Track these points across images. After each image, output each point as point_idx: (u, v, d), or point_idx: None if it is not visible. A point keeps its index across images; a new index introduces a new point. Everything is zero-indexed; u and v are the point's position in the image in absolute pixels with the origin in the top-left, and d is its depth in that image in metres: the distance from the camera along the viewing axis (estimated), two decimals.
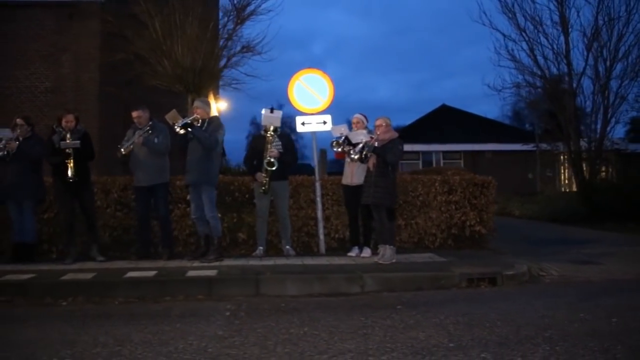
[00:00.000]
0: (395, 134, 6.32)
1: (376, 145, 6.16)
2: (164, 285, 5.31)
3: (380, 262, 6.16)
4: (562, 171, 19.96)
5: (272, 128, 6.44)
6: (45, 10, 12.11)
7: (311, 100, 7.10)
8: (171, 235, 6.65)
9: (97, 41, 11.92)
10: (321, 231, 7.07)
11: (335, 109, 7.30)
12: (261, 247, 6.69)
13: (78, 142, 6.23)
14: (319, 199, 7.06)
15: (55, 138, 6.35)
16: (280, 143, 6.41)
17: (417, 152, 21.11)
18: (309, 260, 6.37)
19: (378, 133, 6.23)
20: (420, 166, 19.88)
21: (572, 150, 12.78)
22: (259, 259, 6.43)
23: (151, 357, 3.27)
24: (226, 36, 9.50)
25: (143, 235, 6.55)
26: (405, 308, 4.64)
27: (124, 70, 10.30)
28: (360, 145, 6.12)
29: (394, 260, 6.18)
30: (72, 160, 6.18)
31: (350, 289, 5.45)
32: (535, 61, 12.78)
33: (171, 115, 6.16)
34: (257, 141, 6.81)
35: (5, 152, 6.23)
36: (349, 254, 6.68)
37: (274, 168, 6.32)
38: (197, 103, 6.37)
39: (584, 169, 12.81)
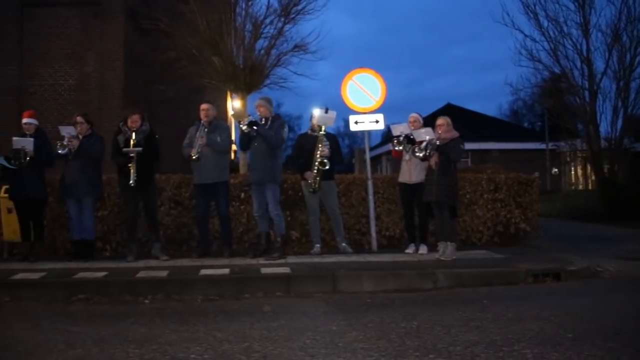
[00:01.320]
0: (457, 133, 6.42)
1: (438, 143, 6.29)
2: (242, 282, 5.34)
3: (442, 258, 6.26)
4: (571, 170, 20.32)
5: (323, 128, 6.49)
6: (70, 9, 12.02)
7: (364, 99, 7.18)
8: (231, 234, 6.68)
9: (122, 39, 11.88)
10: (373, 229, 7.17)
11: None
12: (318, 245, 6.76)
13: (140, 148, 6.21)
14: (371, 197, 7.14)
15: (120, 138, 6.35)
16: (328, 143, 6.48)
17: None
18: (370, 257, 6.44)
19: (440, 132, 6.33)
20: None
21: (593, 149, 13.08)
22: (321, 257, 6.48)
23: (289, 353, 3.29)
24: (273, 34, 9.51)
25: (203, 233, 6.59)
26: (491, 302, 4.74)
27: (170, 70, 10.27)
28: (425, 143, 6.22)
29: (454, 257, 6.31)
30: (134, 165, 6.15)
31: (423, 284, 5.53)
32: (557, 61, 13.08)
33: (237, 113, 6.20)
34: (303, 140, 6.82)
35: (68, 150, 6.23)
36: (407, 250, 6.77)
37: (327, 167, 6.38)
38: (260, 101, 6.41)
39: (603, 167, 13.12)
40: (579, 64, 13.01)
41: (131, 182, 6.13)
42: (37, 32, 12.01)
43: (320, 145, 6.39)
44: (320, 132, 6.46)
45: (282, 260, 6.15)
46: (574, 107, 13.76)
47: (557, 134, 15.93)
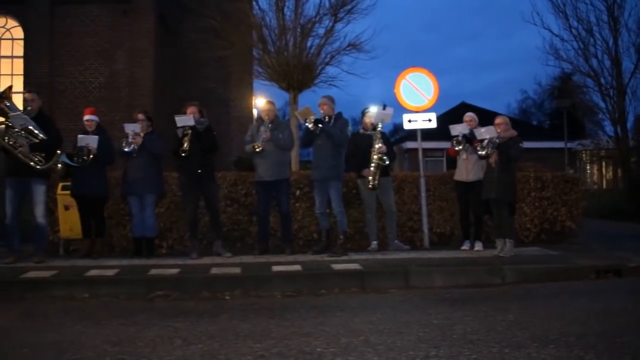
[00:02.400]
0: (515, 132, 6.52)
1: (498, 142, 6.38)
2: (317, 278, 5.41)
3: (501, 255, 6.35)
4: (586, 169, 20.55)
5: (380, 125, 6.56)
6: (100, 7, 12.05)
7: (417, 98, 7.26)
8: (291, 231, 6.75)
9: (152, 37, 11.91)
10: (426, 226, 7.26)
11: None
12: (375, 242, 6.82)
13: (192, 116, 6.24)
14: (423, 195, 7.22)
15: (179, 131, 6.40)
16: (381, 140, 6.55)
17: (441, 150, 21.39)
18: (429, 254, 6.50)
19: (499, 131, 6.42)
20: (445, 164, 20.15)
21: (622, 148, 13.25)
22: (381, 253, 6.53)
23: (413, 345, 3.37)
24: (323, 33, 9.58)
25: (263, 230, 6.66)
26: (570, 297, 4.87)
27: (219, 67, 10.33)
28: (486, 142, 6.32)
29: (512, 254, 6.42)
30: (188, 139, 6.12)
31: (491, 280, 5.63)
32: (586, 60, 13.24)
33: (303, 111, 6.27)
34: (357, 139, 6.86)
35: (133, 147, 6.27)
36: (462, 247, 6.86)
37: (386, 163, 6.44)
38: (323, 99, 6.47)
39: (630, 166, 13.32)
40: (607, 63, 13.23)
41: (182, 150, 6.10)
42: (67, 30, 12.04)
43: (377, 143, 6.42)
44: (377, 129, 6.52)
45: (346, 257, 6.23)
46: (598, 106, 13.96)
47: (574, 133, 16.15)
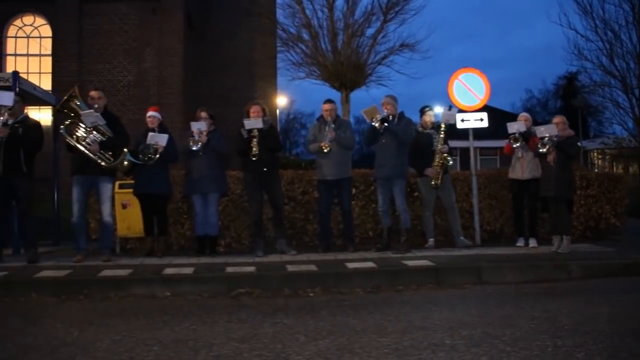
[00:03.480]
0: (572, 132, 6.67)
1: (556, 140, 6.52)
2: (394, 275, 5.49)
3: (559, 251, 6.49)
4: (596, 168, 20.83)
5: (443, 124, 6.67)
6: (129, 5, 12.02)
7: (469, 98, 7.38)
8: (353, 228, 6.83)
9: (181, 36, 11.90)
10: (477, 223, 7.38)
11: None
12: (432, 239, 6.91)
13: (260, 120, 6.32)
14: (475, 193, 7.34)
15: (244, 131, 6.45)
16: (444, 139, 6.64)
17: (455, 149, 21.53)
18: (489, 251, 6.59)
19: (558, 129, 6.56)
20: (459, 162, 20.32)
21: None
22: (444, 250, 6.58)
23: (534, 336, 3.44)
24: (373, 34, 9.68)
25: (325, 228, 6.72)
26: None
27: (243, 66, 10.36)
28: (546, 139, 6.45)
29: (569, 250, 6.55)
30: (256, 142, 6.21)
31: (558, 275, 5.74)
32: (611, 60, 13.47)
33: (370, 110, 6.34)
34: (418, 137, 6.93)
35: (200, 145, 6.30)
36: (517, 244, 6.99)
37: (450, 163, 6.57)
38: (387, 99, 6.54)
39: None
40: (632, 64, 13.44)
41: (253, 154, 6.16)
42: (96, 28, 12.01)
43: (441, 142, 6.56)
44: (441, 129, 6.63)
45: (410, 254, 6.33)
46: (621, 105, 14.20)
47: (577, 132, 16.42)
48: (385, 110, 6.44)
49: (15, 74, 6.80)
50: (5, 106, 5.85)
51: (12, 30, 12.51)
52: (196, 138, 6.26)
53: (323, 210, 6.64)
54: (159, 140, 6.21)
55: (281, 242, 6.54)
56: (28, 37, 12.49)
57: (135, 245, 7.05)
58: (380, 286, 5.34)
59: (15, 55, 12.62)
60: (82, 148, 5.90)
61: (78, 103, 5.96)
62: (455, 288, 5.32)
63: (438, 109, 6.85)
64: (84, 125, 5.92)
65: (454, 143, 7.48)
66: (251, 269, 5.59)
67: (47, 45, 12.19)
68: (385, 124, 6.26)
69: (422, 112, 7.03)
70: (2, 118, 5.93)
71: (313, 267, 5.64)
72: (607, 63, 13.64)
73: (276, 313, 4.34)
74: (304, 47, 9.93)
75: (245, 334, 3.70)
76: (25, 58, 12.53)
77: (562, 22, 15.16)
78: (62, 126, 5.98)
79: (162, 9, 12.01)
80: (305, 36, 9.93)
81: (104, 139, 5.97)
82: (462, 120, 7.38)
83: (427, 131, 6.80)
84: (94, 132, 5.93)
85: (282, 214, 6.65)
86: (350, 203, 6.70)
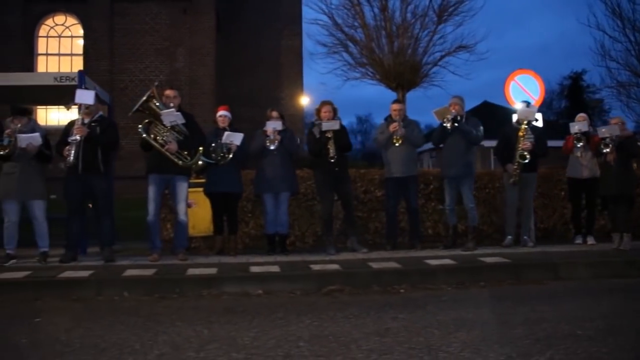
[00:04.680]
0: (631, 132, 6.88)
1: (616, 139, 6.70)
2: (475, 271, 5.61)
3: (621, 248, 6.67)
4: None
5: (525, 122, 6.68)
6: (160, 5, 12.02)
7: (525, 98, 7.53)
8: (420, 226, 6.94)
9: (212, 35, 11.92)
10: (532, 222, 7.54)
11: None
12: (510, 237, 6.83)
13: (337, 121, 6.43)
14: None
15: (315, 130, 6.54)
16: (532, 136, 6.68)
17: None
18: (553, 248, 6.70)
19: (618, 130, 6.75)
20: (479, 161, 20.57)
21: None
22: (513, 248, 6.62)
23: None
24: (429, 35, 9.81)
25: (392, 226, 6.82)
26: None
27: (269, 66, 10.40)
28: (607, 140, 6.62)
29: (630, 247, 6.74)
30: (332, 143, 6.32)
31: (630, 272, 5.91)
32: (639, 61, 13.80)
33: (441, 111, 6.47)
34: (510, 132, 6.87)
35: (277, 144, 6.36)
36: (576, 242, 7.16)
37: (526, 161, 6.60)
38: (455, 99, 6.65)
39: None
40: None
41: (331, 157, 6.26)
42: (127, 28, 11.99)
43: (523, 139, 6.55)
44: (522, 126, 6.62)
45: (478, 251, 6.46)
46: None
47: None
48: (453, 111, 6.56)
49: (82, 73, 6.81)
50: (86, 105, 5.89)
51: (43, 30, 12.45)
52: (271, 137, 6.32)
53: (391, 209, 6.74)
54: (234, 139, 6.26)
55: (352, 240, 6.62)
56: (59, 36, 12.44)
57: (199, 244, 7.09)
58: (464, 282, 5.47)
59: (47, 54, 12.55)
60: (159, 147, 5.94)
61: (157, 104, 6.00)
62: (536, 284, 5.47)
63: (517, 106, 6.90)
64: (162, 125, 5.96)
65: None
66: (335, 266, 5.68)
67: (78, 45, 12.13)
68: (456, 124, 6.40)
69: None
70: (80, 117, 5.98)
71: (395, 264, 5.75)
72: (636, 63, 14.00)
73: (385, 309, 4.43)
74: (355, 48, 10.02)
75: (378, 329, 3.79)
76: (56, 57, 12.48)
77: (591, 23, 15.40)
78: (140, 125, 6.01)
79: (194, 9, 12.02)
80: (359, 36, 10.03)
81: (180, 138, 6.02)
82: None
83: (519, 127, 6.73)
84: (172, 132, 5.98)
85: (353, 213, 6.74)
86: (417, 201, 6.82)
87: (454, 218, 6.73)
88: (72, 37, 12.70)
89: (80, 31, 12.40)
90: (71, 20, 12.57)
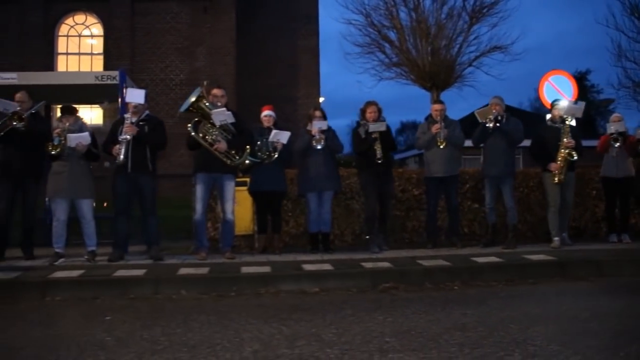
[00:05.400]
0: None
1: None
2: (522, 268, 5.70)
3: None
4: None
5: (569, 119, 6.65)
6: (180, 4, 12.02)
7: (557, 98, 7.68)
8: (460, 225, 7.02)
9: (233, 35, 11.94)
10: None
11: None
12: (557, 238, 6.69)
13: (384, 122, 6.51)
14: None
15: (361, 130, 6.61)
16: (570, 134, 6.76)
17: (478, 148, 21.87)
18: (592, 246, 6.78)
19: None
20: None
21: None
22: (565, 247, 6.63)
23: None
24: (464, 36, 9.90)
25: (433, 225, 6.90)
26: None
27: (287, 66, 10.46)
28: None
29: None
30: (379, 144, 6.39)
31: None
32: None
33: (483, 111, 6.56)
34: (545, 131, 6.87)
35: (323, 143, 6.41)
36: (611, 240, 7.24)
37: (575, 159, 6.58)
38: (495, 99, 6.72)
39: None
40: None
41: (379, 158, 6.33)
42: (148, 27, 11.97)
43: (566, 137, 6.52)
44: (566, 123, 6.59)
45: (519, 249, 6.54)
46: None
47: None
48: (494, 111, 6.65)
49: (123, 71, 6.84)
50: (136, 104, 5.92)
51: (63, 29, 12.38)
52: (317, 137, 6.37)
53: (432, 208, 6.82)
54: (281, 138, 6.31)
55: (379, 238, 6.69)
56: (79, 35, 12.39)
57: (240, 243, 7.12)
58: (513, 279, 5.56)
59: (67, 54, 12.50)
60: (208, 146, 5.98)
61: (207, 103, 6.03)
62: (584, 280, 5.56)
63: (563, 102, 6.95)
64: (210, 123, 5.99)
65: None
66: (387, 264, 5.75)
67: (98, 44, 12.10)
68: (497, 125, 6.49)
69: (552, 105, 6.99)
70: (128, 115, 6.00)
71: (443, 262, 5.82)
72: None
73: (450, 305, 4.50)
74: (391, 48, 10.11)
75: (454, 324, 3.86)
76: (76, 57, 12.43)
77: (609, 23, 15.54)
78: (189, 125, 6.04)
79: (214, 8, 12.03)
80: (393, 36, 10.11)
81: (229, 137, 6.06)
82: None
83: (557, 125, 6.72)
84: (221, 131, 6.02)
85: (390, 212, 6.82)
86: (458, 200, 6.91)
87: (493, 217, 6.81)
88: (92, 36, 12.65)
89: (100, 30, 12.37)
90: (91, 19, 12.54)
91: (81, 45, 12.52)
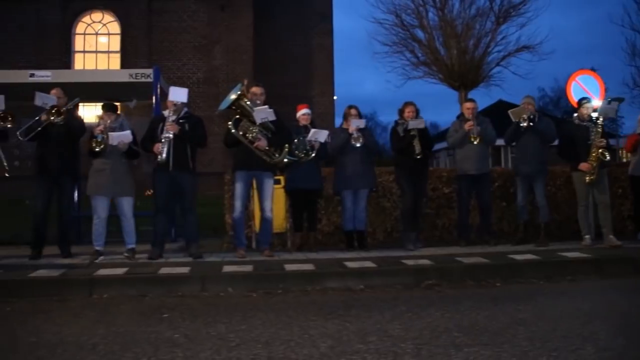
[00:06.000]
0: None
1: None
2: (561, 266, 5.79)
3: None
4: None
5: (601, 118, 6.68)
6: (198, 2, 12.02)
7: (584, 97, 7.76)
8: (492, 223, 7.10)
9: (250, 33, 11.96)
10: (592, 218, 7.73)
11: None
12: (588, 236, 6.72)
13: (422, 119, 6.64)
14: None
15: (399, 128, 6.70)
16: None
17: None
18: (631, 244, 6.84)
19: None
20: (490, 159, 21.04)
21: None
22: (598, 244, 6.61)
23: None
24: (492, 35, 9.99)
25: (464, 223, 6.97)
26: None
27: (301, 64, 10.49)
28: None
29: None
30: (417, 140, 6.50)
31: None
32: None
33: (517, 111, 6.64)
34: (574, 129, 6.83)
35: (361, 142, 6.46)
36: (639, 238, 7.39)
37: (607, 158, 6.60)
38: (528, 99, 6.82)
39: None
40: None
41: (417, 153, 6.43)
42: (165, 25, 11.97)
43: (598, 136, 6.54)
44: (598, 122, 6.61)
45: (552, 247, 6.62)
46: None
47: None
48: (527, 110, 6.72)
49: (157, 69, 6.85)
50: (180, 103, 5.95)
51: (80, 27, 12.35)
52: (356, 135, 6.42)
53: (463, 206, 6.91)
54: (319, 137, 6.36)
55: (411, 235, 6.74)
56: (96, 34, 12.37)
57: (273, 241, 7.14)
58: (552, 276, 5.63)
59: (84, 52, 12.46)
60: (248, 143, 6.01)
61: (248, 102, 6.07)
62: (621, 277, 5.66)
63: (596, 102, 7.04)
64: (250, 121, 6.03)
65: None
66: (427, 261, 5.82)
67: (115, 42, 12.09)
68: (531, 124, 6.57)
69: (580, 104, 6.94)
70: (168, 113, 6.03)
71: (482, 259, 5.90)
72: None
73: (501, 301, 4.58)
74: (420, 48, 10.19)
75: (513, 319, 3.94)
76: (93, 55, 12.41)
77: (624, 22, 15.66)
78: (230, 122, 6.06)
79: (231, 6, 12.04)
80: (420, 36, 10.21)
81: (268, 135, 6.10)
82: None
83: (585, 124, 6.73)
84: (261, 129, 6.05)
85: (422, 209, 6.89)
86: (490, 198, 6.99)
87: (525, 215, 6.90)
88: (109, 34, 12.63)
89: (117, 29, 12.36)
90: (108, 17, 12.53)
91: (98, 44, 12.51)
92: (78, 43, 12.41)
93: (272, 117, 6.02)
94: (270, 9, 12.68)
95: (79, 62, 12.49)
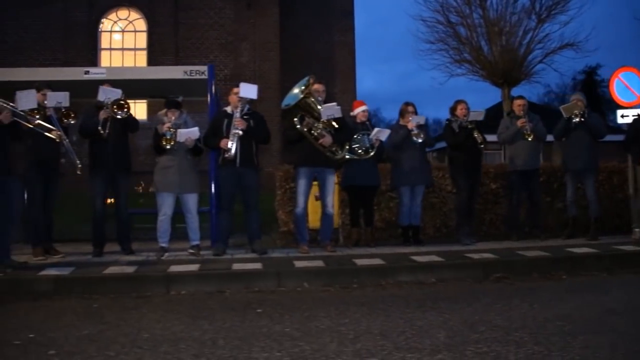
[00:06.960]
0: None
1: None
2: (620, 258, 5.98)
3: None
4: None
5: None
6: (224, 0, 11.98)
7: (628, 95, 7.92)
8: (541, 218, 7.24)
9: (277, 30, 11.98)
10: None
11: None
12: (637, 230, 6.91)
13: (483, 111, 6.83)
14: (630, 184, 7.90)
15: (454, 125, 6.84)
16: None
17: (496, 143, 22.11)
18: None
19: None
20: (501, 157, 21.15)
21: None
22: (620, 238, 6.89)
23: None
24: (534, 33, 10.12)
25: (515, 219, 7.11)
26: None
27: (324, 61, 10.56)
28: None
29: None
30: (478, 132, 6.68)
31: None
32: None
33: (570, 107, 6.80)
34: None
35: (422, 138, 6.58)
36: None
37: None
38: (578, 95, 7.02)
39: None
40: None
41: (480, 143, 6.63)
42: (192, 22, 11.95)
43: None
44: None
45: (603, 241, 6.78)
46: None
47: None
48: (579, 106, 6.87)
49: (212, 67, 6.89)
50: (250, 99, 6.00)
51: (106, 25, 12.29)
52: (416, 131, 6.53)
53: (514, 201, 7.05)
54: (381, 135, 6.45)
55: (465, 230, 6.87)
56: (123, 31, 12.31)
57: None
58: (612, 269, 5.78)
59: (110, 49, 12.41)
60: (314, 140, 6.07)
61: (313, 100, 6.13)
62: None
63: None
64: (314, 118, 6.10)
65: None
66: (492, 255, 5.94)
67: (141, 39, 12.06)
68: (583, 119, 6.73)
69: None
70: (232, 109, 6.09)
71: (543, 253, 6.04)
72: None
73: (573, 294, 4.76)
74: (463, 46, 10.30)
75: (604, 309, 4.07)
76: (120, 52, 12.35)
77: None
78: (295, 118, 6.11)
79: (258, 3, 12.05)
80: (462, 33, 10.32)
81: (332, 132, 6.17)
82: (622, 116, 7.95)
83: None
84: (326, 125, 6.12)
85: (475, 204, 7.02)
86: (540, 193, 7.14)
87: (574, 210, 7.06)
88: (135, 31, 12.59)
89: (143, 26, 12.33)
90: (134, 14, 12.48)
91: (124, 41, 12.48)
92: (104, 40, 12.34)
93: (338, 114, 6.10)
94: (293, 6, 12.73)
95: (105, 59, 12.43)
